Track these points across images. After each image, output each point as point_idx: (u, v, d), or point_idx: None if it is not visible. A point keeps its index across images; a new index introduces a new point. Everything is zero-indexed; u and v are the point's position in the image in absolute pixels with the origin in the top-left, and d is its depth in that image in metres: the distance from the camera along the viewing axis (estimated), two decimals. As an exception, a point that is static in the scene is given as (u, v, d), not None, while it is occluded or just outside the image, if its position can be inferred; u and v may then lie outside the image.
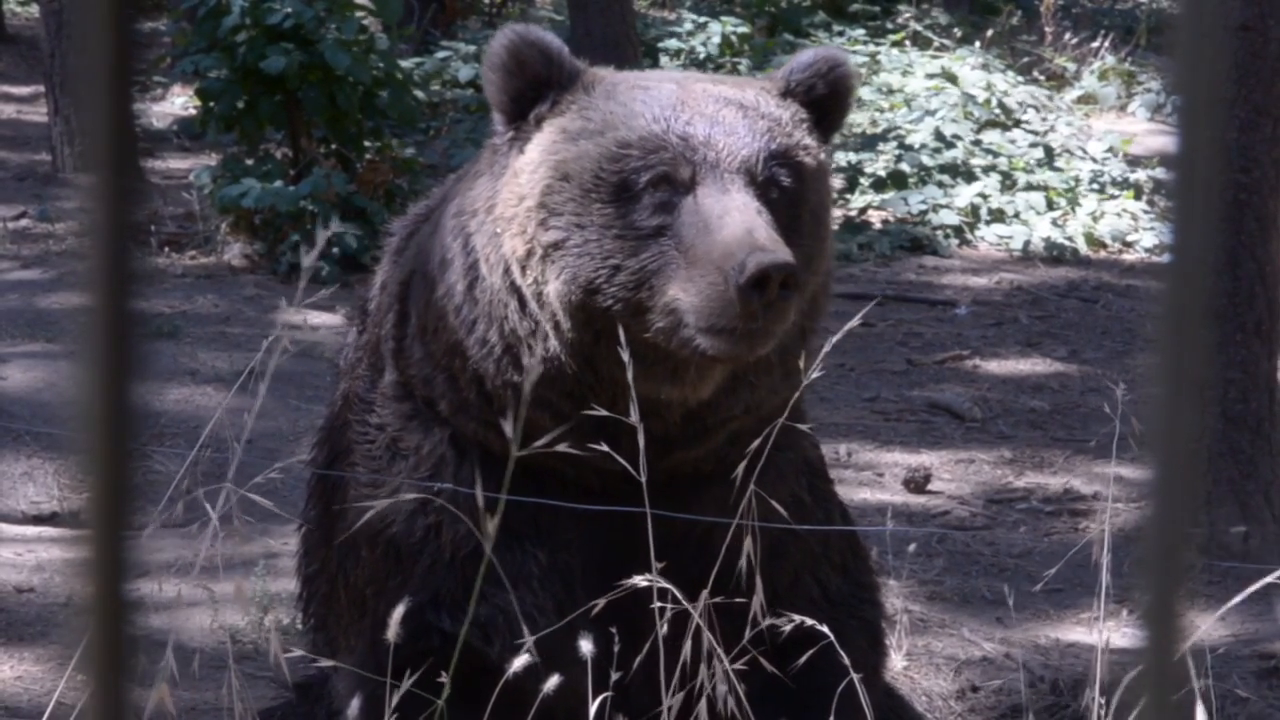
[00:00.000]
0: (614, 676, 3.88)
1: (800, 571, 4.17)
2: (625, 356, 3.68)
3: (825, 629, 3.91)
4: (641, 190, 3.75)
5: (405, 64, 12.51)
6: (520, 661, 3.79)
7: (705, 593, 3.86)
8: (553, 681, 3.78)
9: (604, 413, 3.78)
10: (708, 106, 3.85)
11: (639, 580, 3.81)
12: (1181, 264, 1.18)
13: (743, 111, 3.86)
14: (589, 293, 3.73)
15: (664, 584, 3.82)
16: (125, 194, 1.12)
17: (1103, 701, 4.17)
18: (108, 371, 1.14)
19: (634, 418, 3.74)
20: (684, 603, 3.85)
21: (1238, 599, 4.14)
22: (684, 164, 3.76)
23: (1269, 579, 4.07)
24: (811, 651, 3.96)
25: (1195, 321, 1.18)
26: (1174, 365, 1.18)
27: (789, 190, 3.84)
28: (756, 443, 3.90)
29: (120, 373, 1.14)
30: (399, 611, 3.86)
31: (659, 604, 3.86)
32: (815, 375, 4.02)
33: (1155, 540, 1.19)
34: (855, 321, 4.03)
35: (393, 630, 3.85)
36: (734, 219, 3.67)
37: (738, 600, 3.92)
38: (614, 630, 3.86)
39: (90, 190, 1.13)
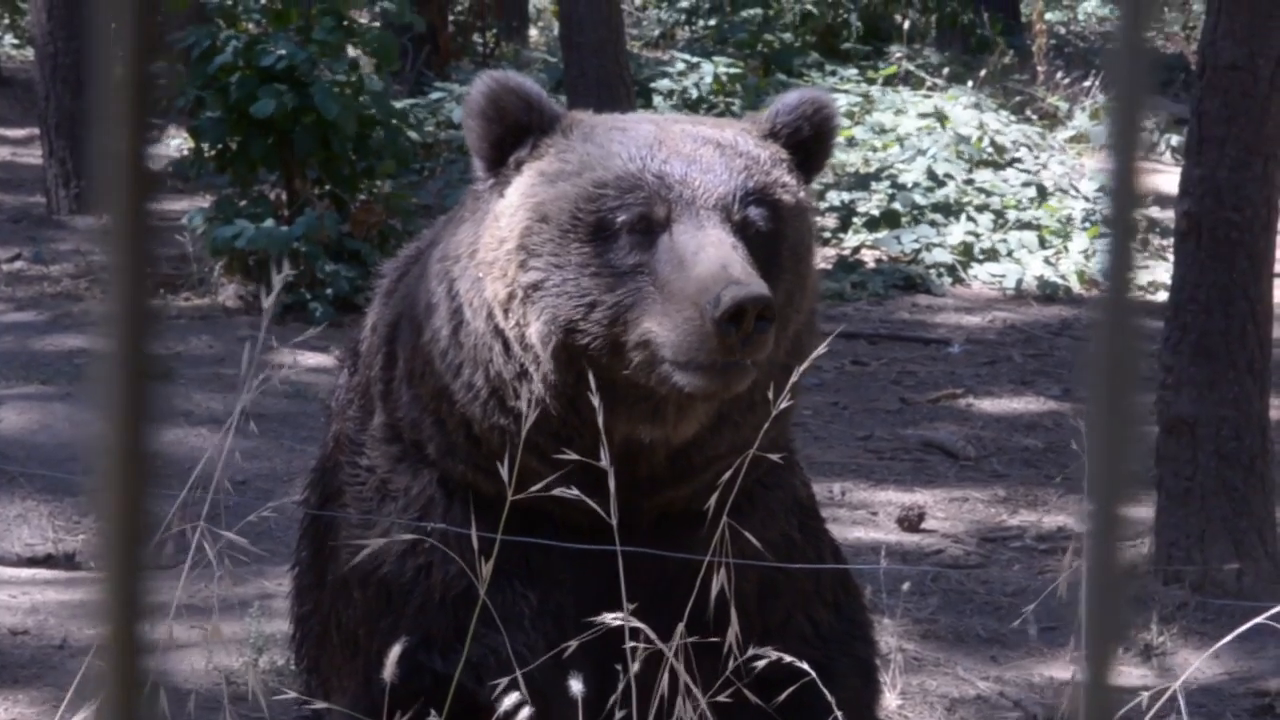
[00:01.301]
0: (619, 715, 3.88)
1: (792, 609, 4.18)
2: (595, 401, 3.69)
3: (806, 665, 3.91)
4: (619, 229, 3.77)
5: (399, 104, 12.54)
6: (511, 700, 3.80)
7: (681, 626, 3.86)
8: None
9: (573, 457, 3.80)
10: (685, 145, 3.87)
11: (611, 619, 3.82)
12: (1115, 296, 1.19)
13: (720, 150, 3.88)
14: (568, 332, 3.75)
15: (636, 623, 3.83)
16: (143, 236, 1.13)
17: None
18: (125, 415, 1.14)
19: (604, 460, 3.76)
20: (659, 643, 3.85)
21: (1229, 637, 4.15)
22: (660, 202, 3.78)
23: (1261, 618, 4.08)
24: (797, 687, 3.96)
25: (1130, 355, 1.19)
26: (1110, 399, 1.19)
27: (766, 228, 3.85)
28: (727, 475, 3.90)
29: (137, 416, 1.14)
30: (395, 651, 3.87)
31: (634, 644, 3.86)
32: (790, 407, 4.03)
33: (1094, 576, 1.19)
34: (822, 349, 4.02)
35: (389, 670, 3.86)
36: (709, 254, 3.68)
37: (717, 638, 3.92)
38: (617, 668, 3.87)
39: (106, 233, 1.14)
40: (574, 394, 3.80)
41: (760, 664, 3.90)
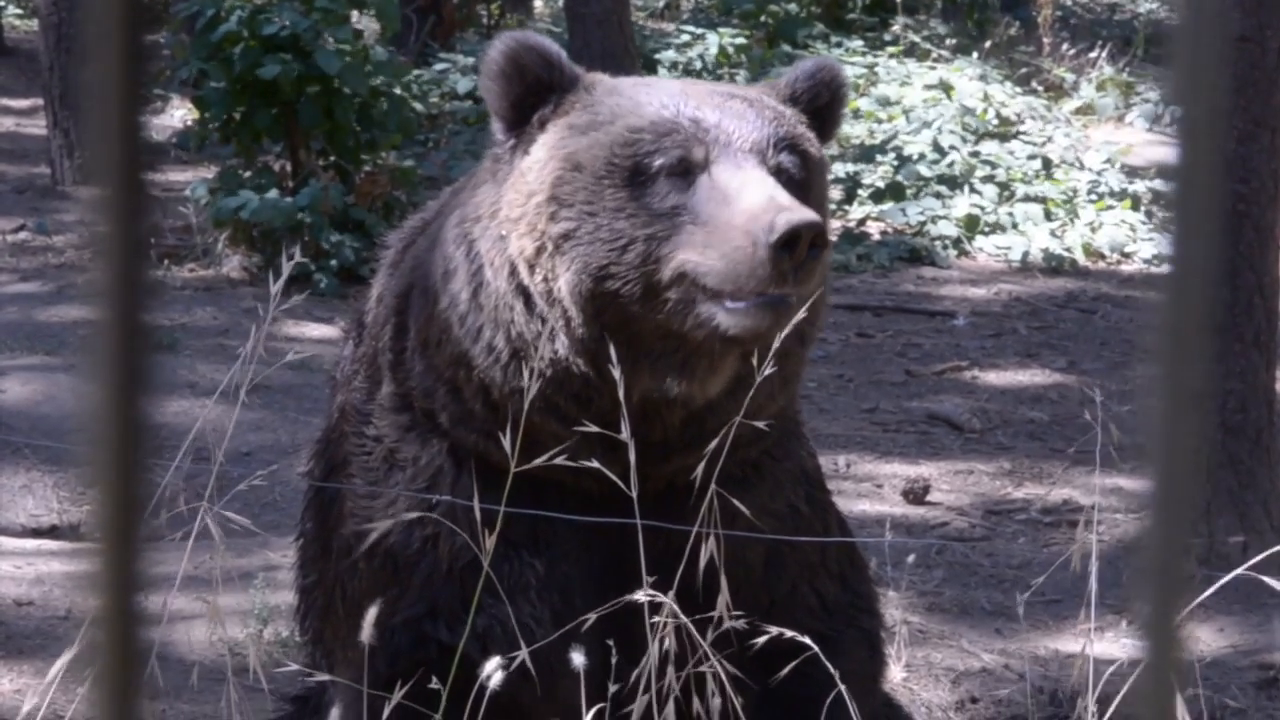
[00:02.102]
0: (611, 689, 3.88)
1: (798, 582, 4.17)
2: (616, 373, 3.68)
3: (808, 640, 3.90)
4: (656, 173, 3.78)
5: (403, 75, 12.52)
6: (495, 669, 3.78)
7: (671, 596, 3.85)
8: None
9: (594, 429, 3.79)
10: (713, 98, 3.91)
11: (637, 595, 3.81)
12: (1181, 275, 1.18)
13: (748, 103, 3.93)
14: (599, 279, 3.74)
15: (662, 598, 3.82)
16: (135, 206, 1.12)
17: (1095, 710, 4.17)
18: (117, 385, 1.14)
19: (625, 433, 3.75)
20: (683, 617, 3.84)
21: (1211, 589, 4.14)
22: (697, 144, 3.79)
23: (1241, 570, 4.06)
24: (799, 660, 3.96)
25: (1194, 333, 1.18)
26: (1172, 377, 1.18)
27: (797, 176, 3.87)
28: (715, 443, 3.89)
29: (130, 386, 1.14)
30: (371, 613, 3.86)
31: (656, 619, 3.85)
32: (797, 376, 4.03)
33: (1155, 553, 1.18)
34: (800, 316, 4.02)
35: (366, 632, 3.85)
36: (754, 189, 3.70)
37: (712, 613, 3.91)
38: (610, 643, 3.86)
39: (99, 203, 1.13)
40: (598, 350, 3.78)
41: (760, 640, 3.89)
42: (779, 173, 3.83)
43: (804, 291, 3.71)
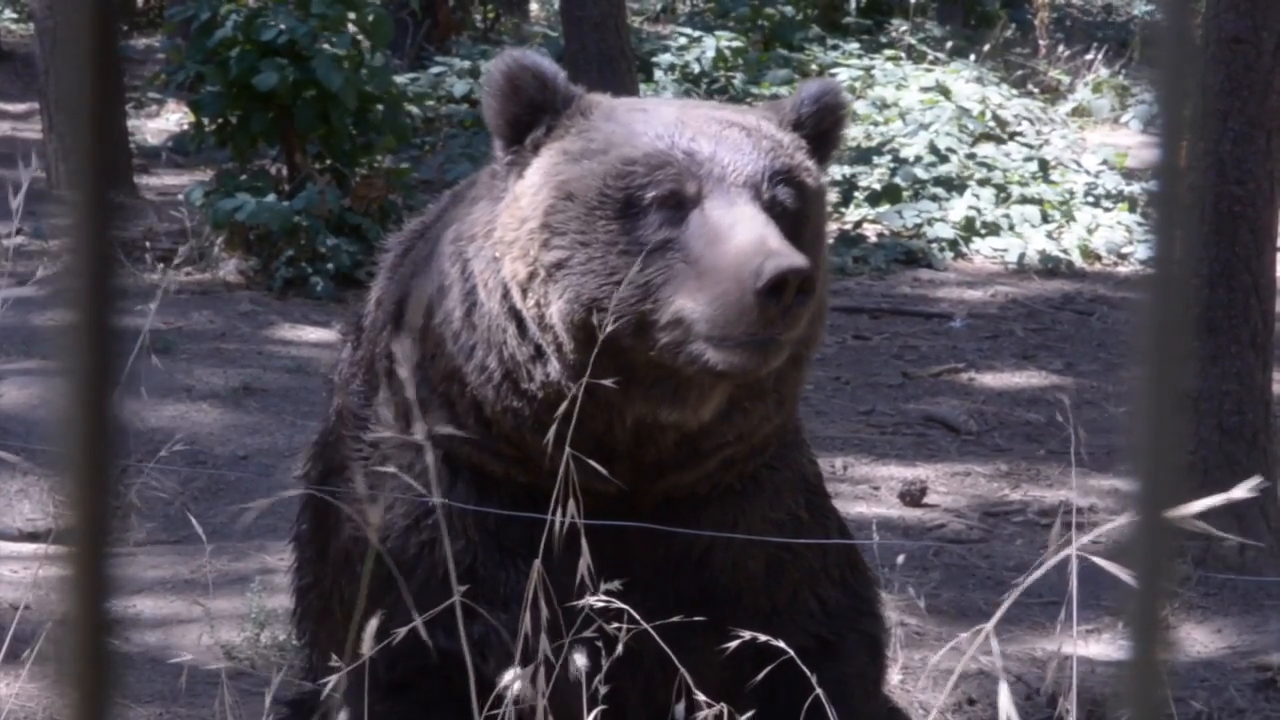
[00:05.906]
0: (604, 690, 3.87)
1: (799, 588, 4.17)
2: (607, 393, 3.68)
3: (781, 643, 3.88)
4: (647, 206, 3.75)
5: (400, 79, 12.53)
6: (514, 679, 3.78)
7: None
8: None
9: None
10: (709, 127, 3.86)
11: (590, 600, 3.79)
12: (1163, 274, 1.18)
13: (745, 132, 3.88)
14: (591, 310, 3.73)
15: (620, 605, 3.80)
16: (105, 212, 1.12)
17: (1078, 712, 4.17)
18: (87, 389, 1.14)
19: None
20: (642, 622, 3.83)
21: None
22: (690, 179, 3.76)
23: None
24: (796, 665, 3.95)
25: (1177, 333, 1.18)
26: (1156, 377, 1.18)
27: (792, 208, 3.85)
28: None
29: (100, 390, 1.14)
30: (372, 625, 3.86)
31: (619, 625, 3.85)
32: (797, 391, 4.03)
33: (1141, 551, 1.18)
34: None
35: (366, 644, 3.84)
36: (745, 228, 3.67)
37: (702, 618, 3.91)
38: (600, 645, 3.85)
39: (71, 208, 1.14)
40: (590, 373, 3.78)
41: (732, 645, 3.87)
42: (773, 206, 3.80)
43: (792, 335, 3.70)
